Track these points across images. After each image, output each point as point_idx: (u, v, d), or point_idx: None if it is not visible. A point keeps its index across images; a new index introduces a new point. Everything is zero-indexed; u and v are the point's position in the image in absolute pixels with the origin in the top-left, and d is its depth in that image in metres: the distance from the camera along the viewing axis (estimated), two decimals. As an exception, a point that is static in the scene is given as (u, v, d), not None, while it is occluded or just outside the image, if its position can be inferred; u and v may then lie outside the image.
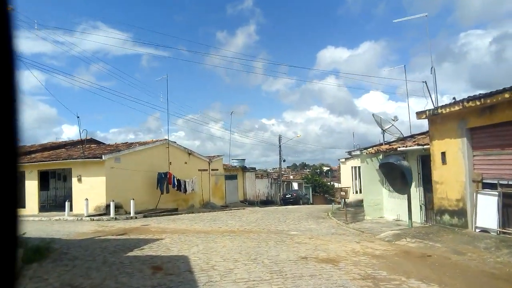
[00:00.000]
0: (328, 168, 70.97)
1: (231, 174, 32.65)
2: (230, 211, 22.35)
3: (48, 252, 8.05)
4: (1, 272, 1.00)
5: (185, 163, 25.04)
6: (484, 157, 9.05)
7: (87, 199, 17.00)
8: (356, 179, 23.99)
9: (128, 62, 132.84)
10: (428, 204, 11.63)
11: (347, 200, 17.68)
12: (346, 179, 26.26)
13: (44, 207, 20.02)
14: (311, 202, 40.65)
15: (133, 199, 17.26)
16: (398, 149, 12.64)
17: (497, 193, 8.45)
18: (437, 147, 10.41)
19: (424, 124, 12.04)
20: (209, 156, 29.17)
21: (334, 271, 6.05)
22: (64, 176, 20.57)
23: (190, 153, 26.07)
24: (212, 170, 27.40)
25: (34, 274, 6.36)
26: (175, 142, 24.99)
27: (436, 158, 10.42)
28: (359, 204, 19.22)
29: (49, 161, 19.80)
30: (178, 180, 22.47)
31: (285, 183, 46.00)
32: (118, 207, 17.53)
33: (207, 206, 25.01)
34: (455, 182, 9.66)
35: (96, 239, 10.30)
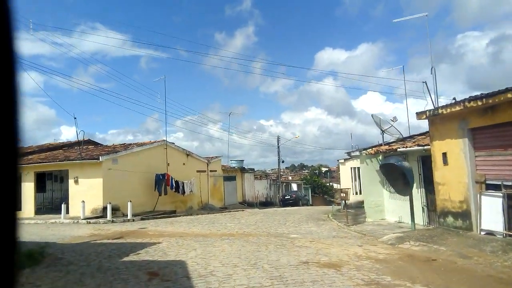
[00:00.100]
0: (327, 169, 70.75)
1: (230, 175, 32.42)
2: (229, 213, 22.13)
3: (42, 257, 7.82)
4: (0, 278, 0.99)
5: (183, 164, 24.81)
6: (486, 158, 8.88)
7: (83, 201, 16.76)
8: (355, 180, 23.81)
9: (126, 64, 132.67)
10: (430, 205, 11.45)
11: (347, 202, 17.48)
12: (345, 180, 26.07)
13: (40, 209, 19.73)
14: (311, 203, 40.43)
15: (130, 201, 17.01)
16: (398, 149, 12.47)
17: (501, 194, 8.27)
18: (438, 148, 10.24)
19: (422, 125, 11.94)
20: (207, 157, 28.94)
21: (337, 277, 5.86)
22: (61, 178, 20.27)
23: (188, 154, 25.85)
24: (211, 171, 27.17)
25: (26, 281, 6.14)
26: (173, 143, 24.77)
27: (437, 159, 10.24)
28: (359, 205, 19.03)
29: (46, 162, 19.53)
30: (176, 182, 22.24)
31: (284, 184, 45.77)
32: (115, 210, 17.28)
33: (206, 208, 24.77)
34: (458, 183, 9.49)
35: (92, 243, 10.07)
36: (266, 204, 35.19)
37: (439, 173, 10.18)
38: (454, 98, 9.78)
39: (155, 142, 22.97)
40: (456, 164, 9.50)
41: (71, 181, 18.69)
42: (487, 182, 8.82)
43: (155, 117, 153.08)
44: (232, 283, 5.64)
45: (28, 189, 19.22)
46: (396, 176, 11.48)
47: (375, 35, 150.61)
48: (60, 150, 24.57)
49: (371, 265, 6.65)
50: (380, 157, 14.03)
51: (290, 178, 55.08)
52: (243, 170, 34.67)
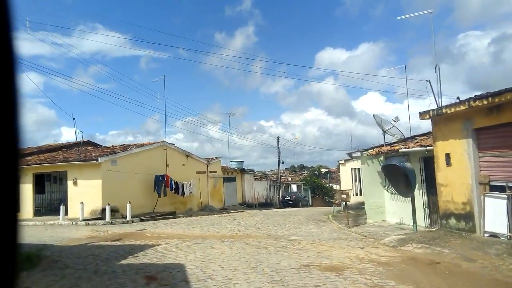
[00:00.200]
0: (326, 170, 70.53)
1: (230, 176, 32.26)
2: (229, 214, 21.99)
3: (39, 260, 7.70)
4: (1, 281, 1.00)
5: (183, 165, 24.66)
6: (491, 159, 8.74)
7: (82, 202, 16.63)
8: (356, 181, 23.68)
9: (126, 64, 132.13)
10: (432, 207, 11.31)
11: (348, 203, 17.34)
12: (345, 181, 25.94)
13: (39, 211, 19.60)
14: (311, 204, 40.29)
15: (129, 203, 16.87)
16: (400, 150, 12.33)
17: (506, 196, 8.13)
18: (441, 148, 10.10)
19: (423, 126, 11.85)
20: (207, 158, 28.79)
21: (339, 281, 5.71)
22: (60, 179, 20.14)
23: (188, 155, 25.71)
24: (210, 172, 27.02)
25: (22, 285, 6.00)
26: (173, 144, 24.64)
27: (440, 160, 10.10)
28: (359, 206, 18.88)
29: (44, 163, 19.42)
30: (176, 183, 22.10)
31: (284, 185, 45.59)
32: (114, 211, 17.14)
33: (206, 209, 24.60)
34: (461, 184, 9.35)
35: (90, 246, 9.93)
36: (266, 205, 35.03)
37: (442, 174, 10.04)
38: (458, 98, 9.64)
39: (154, 143, 22.82)
40: (459, 165, 9.36)
41: (70, 183, 18.57)
42: (491, 183, 8.67)
43: (155, 118, 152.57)
44: (232, 288, 5.50)
45: (27, 190, 19.09)
46: (398, 177, 11.34)
47: (375, 35, 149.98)
48: (59, 151, 24.44)
49: (373, 269, 6.51)
50: (382, 158, 13.89)
51: (290, 179, 54.87)
52: (243, 171, 34.52)
